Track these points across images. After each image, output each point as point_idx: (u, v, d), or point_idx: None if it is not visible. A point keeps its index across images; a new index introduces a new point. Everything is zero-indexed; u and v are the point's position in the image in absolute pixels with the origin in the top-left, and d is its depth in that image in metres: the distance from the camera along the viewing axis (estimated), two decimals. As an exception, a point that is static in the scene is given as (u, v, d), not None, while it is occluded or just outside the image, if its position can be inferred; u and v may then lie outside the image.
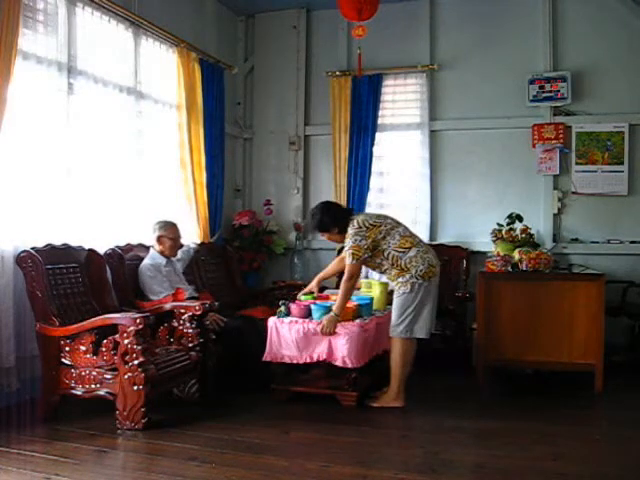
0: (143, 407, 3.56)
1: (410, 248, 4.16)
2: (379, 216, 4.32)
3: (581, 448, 3.44)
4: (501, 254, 4.92)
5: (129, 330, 3.56)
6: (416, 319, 4.13)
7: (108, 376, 3.65)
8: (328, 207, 4.37)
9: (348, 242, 4.13)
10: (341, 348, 4.02)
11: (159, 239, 4.66)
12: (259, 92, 6.69)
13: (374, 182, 6.18)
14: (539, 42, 5.88)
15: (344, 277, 4.15)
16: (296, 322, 4.15)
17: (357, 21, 5.09)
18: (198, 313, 4.05)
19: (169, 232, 4.70)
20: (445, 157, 6.13)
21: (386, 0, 5.43)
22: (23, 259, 3.76)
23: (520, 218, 5.35)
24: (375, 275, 4.88)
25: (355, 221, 4.16)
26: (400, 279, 4.16)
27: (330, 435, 3.62)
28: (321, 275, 4.66)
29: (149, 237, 4.75)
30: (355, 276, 4.17)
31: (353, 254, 4.09)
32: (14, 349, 3.85)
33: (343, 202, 6.11)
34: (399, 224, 4.28)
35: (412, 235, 4.26)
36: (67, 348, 3.73)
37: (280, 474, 3.06)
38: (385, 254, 4.15)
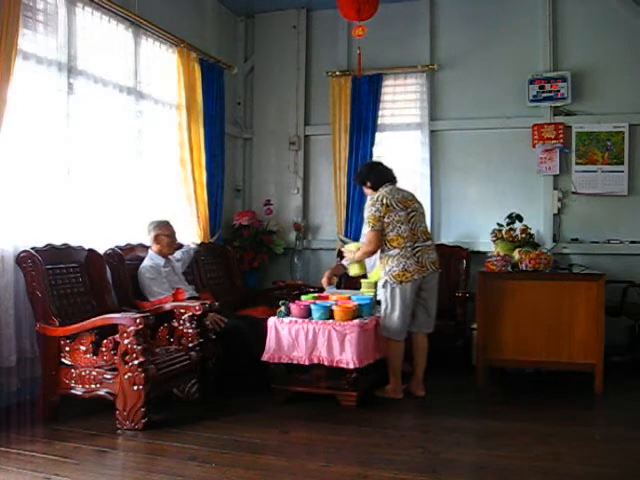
0: (143, 407, 3.56)
1: (395, 247, 4.29)
2: (400, 201, 4.37)
3: (581, 448, 3.44)
4: (501, 254, 4.92)
5: (129, 330, 3.56)
6: (390, 319, 4.29)
7: (108, 376, 3.65)
8: (372, 166, 4.76)
9: (366, 212, 4.37)
10: (341, 348, 4.02)
11: (156, 238, 4.65)
12: (259, 92, 6.69)
13: (374, 182, 6.17)
14: (539, 42, 5.88)
15: (364, 242, 4.46)
16: (296, 322, 4.15)
17: (357, 21, 5.09)
18: (198, 313, 4.05)
19: (164, 229, 4.70)
20: (445, 157, 6.13)
21: (386, 0, 5.43)
22: (23, 259, 3.77)
23: (520, 218, 5.35)
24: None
25: (377, 194, 4.39)
26: (381, 272, 4.38)
27: (330, 435, 3.62)
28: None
29: (147, 238, 4.74)
30: (373, 243, 4.32)
31: (368, 222, 4.33)
32: (15, 349, 3.86)
33: (343, 202, 6.13)
34: (408, 222, 4.33)
35: (407, 238, 4.30)
36: (67, 348, 3.73)
37: (280, 474, 3.06)
38: (383, 240, 4.35)
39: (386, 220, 4.29)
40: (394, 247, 4.29)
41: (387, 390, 4.34)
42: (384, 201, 4.31)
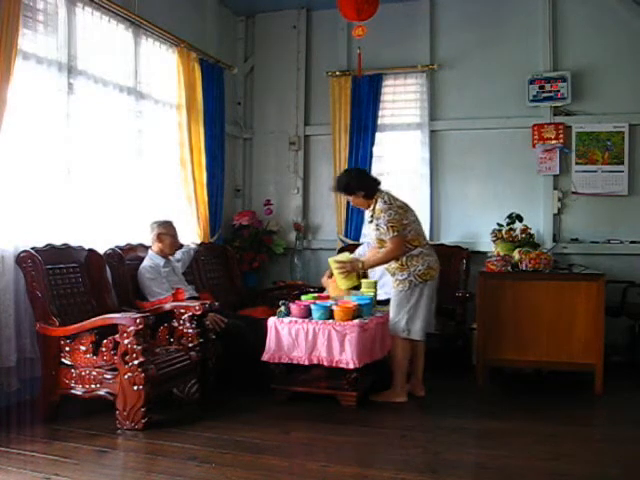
0: (143, 407, 3.56)
1: (416, 247, 4.25)
2: (405, 204, 4.34)
3: (581, 448, 3.44)
4: (501, 254, 4.92)
5: (129, 330, 3.56)
6: (412, 319, 4.22)
7: (108, 376, 3.65)
8: (357, 172, 4.56)
9: (383, 217, 4.17)
10: (341, 348, 4.02)
11: (159, 237, 4.65)
12: (259, 92, 6.69)
13: (374, 182, 6.16)
14: (539, 42, 5.88)
15: (386, 249, 4.19)
16: (296, 322, 4.15)
17: (357, 21, 5.09)
18: (198, 313, 4.05)
19: (168, 229, 4.70)
20: (445, 157, 6.13)
21: (386, 0, 5.44)
22: (23, 259, 3.77)
23: (520, 218, 5.36)
24: (377, 273, 4.90)
25: (386, 196, 4.25)
26: (398, 276, 4.24)
27: (330, 435, 3.62)
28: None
29: (148, 238, 4.74)
30: (400, 249, 4.17)
31: (392, 227, 4.15)
32: (14, 349, 3.85)
33: (343, 202, 6.12)
34: (415, 221, 4.33)
35: (421, 235, 4.33)
36: (67, 348, 3.73)
37: (280, 474, 3.06)
38: None
39: (404, 222, 4.20)
40: (415, 246, 4.23)
41: (390, 395, 4.25)
42: (398, 203, 4.26)
